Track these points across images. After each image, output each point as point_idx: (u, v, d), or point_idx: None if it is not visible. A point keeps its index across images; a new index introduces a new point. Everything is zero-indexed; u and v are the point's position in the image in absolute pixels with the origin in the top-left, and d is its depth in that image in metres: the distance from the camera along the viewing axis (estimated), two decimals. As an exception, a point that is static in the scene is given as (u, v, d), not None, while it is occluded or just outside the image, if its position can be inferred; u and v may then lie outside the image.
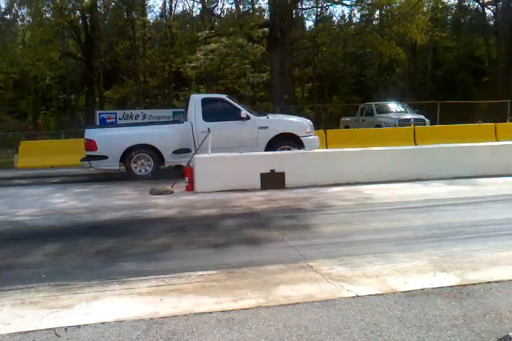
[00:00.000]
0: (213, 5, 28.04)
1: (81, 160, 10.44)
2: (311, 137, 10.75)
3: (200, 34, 23.42)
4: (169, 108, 19.67)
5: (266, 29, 20.51)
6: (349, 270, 4.22)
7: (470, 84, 33.73)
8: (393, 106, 19.67)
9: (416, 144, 14.55)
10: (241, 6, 23.44)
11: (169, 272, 4.28)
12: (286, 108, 16.70)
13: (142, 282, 4.07)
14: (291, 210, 6.76)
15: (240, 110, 10.37)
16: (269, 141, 10.40)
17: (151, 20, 30.78)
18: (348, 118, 21.45)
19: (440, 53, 34.75)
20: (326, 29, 26.80)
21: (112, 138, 10.08)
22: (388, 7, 20.71)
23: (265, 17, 24.02)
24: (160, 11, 31.40)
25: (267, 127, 10.41)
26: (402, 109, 19.10)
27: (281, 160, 8.83)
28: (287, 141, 10.48)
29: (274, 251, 4.89)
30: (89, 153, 10.09)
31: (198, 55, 24.29)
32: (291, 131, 10.53)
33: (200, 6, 28.25)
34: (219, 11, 29.29)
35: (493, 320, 3.24)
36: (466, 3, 36.91)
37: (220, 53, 24.25)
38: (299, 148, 10.20)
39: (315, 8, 29.37)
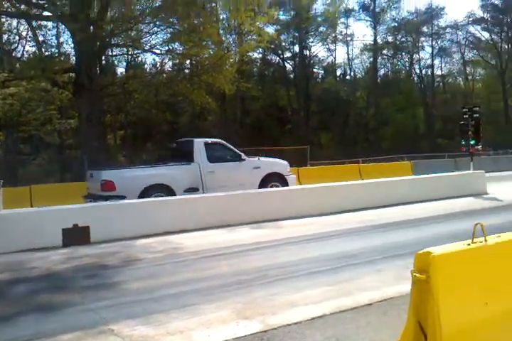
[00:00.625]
0: (13, 46, 26.05)
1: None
2: (291, 176, 12.46)
3: (-4, 77, 21.42)
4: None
5: (72, 74, 19.70)
6: (152, 329, 4.02)
7: (276, 132, 36.82)
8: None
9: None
10: (44, 49, 22.13)
11: None
12: (95, 156, 15.94)
13: None
14: (95, 268, 6.31)
15: (237, 152, 11.72)
16: (262, 179, 11.73)
17: None
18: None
19: (248, 103, 37.41)
20: (138, 76, 26.79)
21: (130, 179, 10.43)
22: (198, 58, 21.65)
23: (72, 61, 23.06)
24: None
25: (259, 167, 11.87)
26: (214, 156, 19.81)
27: (86, 213, 8.29)
28: (275, 179, 11.96)
29: (72, 316, 4.45)
30: (107, 193, 10.04)
31: (-5, 100, 22.10)
32: (278, 171, 12.20)
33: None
34: (20, 54, 27.35)
35: (290, 365, 3.35)
36: (269, 57, 40.76)
37: (20, 98, 22.41)
38: (283, 186, 11.75)
39: (126, 55, 29.28)
